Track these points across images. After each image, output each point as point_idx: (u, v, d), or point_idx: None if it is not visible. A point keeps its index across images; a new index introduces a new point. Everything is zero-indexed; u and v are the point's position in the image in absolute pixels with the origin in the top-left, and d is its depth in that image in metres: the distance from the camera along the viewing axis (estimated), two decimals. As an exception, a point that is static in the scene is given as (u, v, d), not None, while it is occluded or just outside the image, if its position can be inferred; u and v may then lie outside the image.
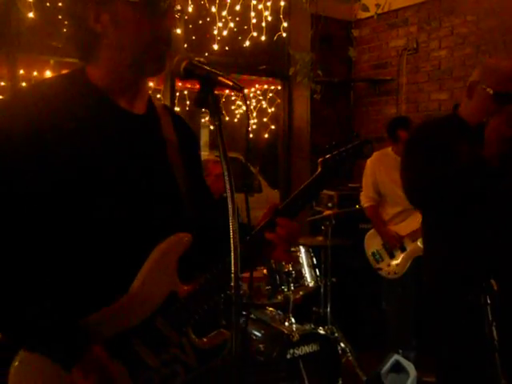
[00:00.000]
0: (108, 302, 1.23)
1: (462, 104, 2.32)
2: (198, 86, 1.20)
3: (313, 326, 3.21)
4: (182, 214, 1.37)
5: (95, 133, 1.28)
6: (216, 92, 1.17)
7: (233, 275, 1.07)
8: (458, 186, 2.15)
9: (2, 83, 5.07)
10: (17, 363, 1.19)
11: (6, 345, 1.23)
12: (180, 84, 5.34)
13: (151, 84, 5.11)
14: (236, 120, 6.01)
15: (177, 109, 5.06)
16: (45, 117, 1.22)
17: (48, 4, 4.14)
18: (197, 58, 1.24)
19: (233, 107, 6.13)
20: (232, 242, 1.08)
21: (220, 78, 1.16)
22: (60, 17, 4.56)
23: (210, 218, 1.52)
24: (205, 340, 1.30)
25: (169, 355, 1.25)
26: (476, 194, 2.17)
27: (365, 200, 3.96)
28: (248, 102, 5.69)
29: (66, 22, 1.35)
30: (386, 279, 3.83)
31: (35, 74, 5.15)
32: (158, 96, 4.80)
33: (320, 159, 1.41)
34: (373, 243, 3.92)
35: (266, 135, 5.30)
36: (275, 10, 4.59)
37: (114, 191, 1.27)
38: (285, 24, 4.61)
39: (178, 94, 5.15)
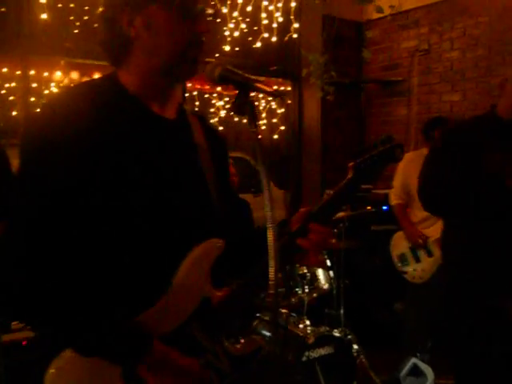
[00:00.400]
0: (144, 307, 1.23)
1: (498, 103, 2.35)
2: (207, 87, 1.20)
3: (327, 328, 3.20)
4: (214, 219, 1.37)
5: (129, 137, 1.27)
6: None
7: (272, 282, 1.06)
8: (475, 204, 2.16)
9: (13, 83, 5.10)
10: (53, 370, 1.19)
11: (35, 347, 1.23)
12: (190, 84, 5.34)
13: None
14: (245, 120, 5.99)
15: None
16: (82, 121, 1.22)
17: (60, 5, 4.15)
18: (229, 64, 1.24)
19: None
20: (271, 249, 1.07)
21: (257, 85, 1.16)
22: (72, 17, 4.59)
23: (238, 224, 1.51)
24: (238, 346, 1.30)
25: (203, 361, 1.25)
26: (493, 213, 2.18)
27: (393, 197, 3.93)
28: (257, 103, 5.69)
29: (96, 25, 1.35)
30: (412, 283, 3.80)
31: (46, 74, 5.15)
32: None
33: (351, 163, 1.41)
34: (399, 245, 3.89)
35: (276, 136, 5.30)
36: (286, 11, 4.58)
37: (149, 196, 1.26)
38: (296, 25, 4.60)
39: (187, 94, 5.16)
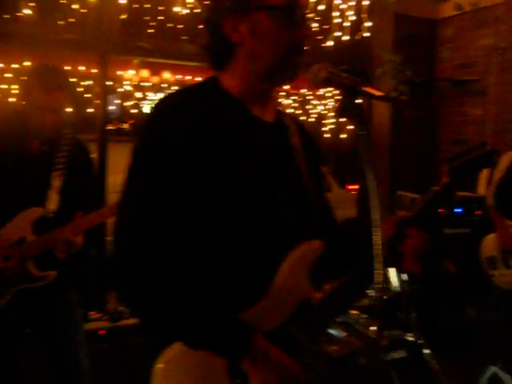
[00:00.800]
0: (246, 306, 1.25)
1: None
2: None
3: (399, 331, 3.16)
4: (312, 220, 1.38)
5: (234, 140, 1.30)
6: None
7: (378, 285, 1.07)
8: None
9: (87, 82, 5.27)
10: (162, 364, 1.23)
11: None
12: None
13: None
14: (313, 120, 5.98)
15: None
16: (190, 125, 1.26)
17: (137, 5, 4.27)
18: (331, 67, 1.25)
19: (308, 107, 6.11)
20: (378, 252, 1.08)
21: (365, 88, 1.16)
22: (147, 18, 4.71)
23: (332, 225, 1.53)
24: (336, 348, 1.31)
25: (302, 362, 1.26)
26: None
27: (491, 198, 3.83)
28: (325, 102, 5.65)
29: (199, 27, 1.39)
30: (499, 288, 3.69)
31: (120, 73, 5.30)
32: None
33: (447, 167, 1.39)
34: (490, 248, 3.78)
35: (344, 135, 5.25)
36: (358, 10, 4.53)
37: (253, 197, 1.29)
38: (368, 23, 4.55)
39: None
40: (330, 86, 1.27)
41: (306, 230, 1.35)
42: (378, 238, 1.08)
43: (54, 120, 2.41)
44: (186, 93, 1.37)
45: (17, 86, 5.07)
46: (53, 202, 2.44)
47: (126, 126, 7.18)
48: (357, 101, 1.19)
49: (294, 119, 1.51)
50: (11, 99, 5.16)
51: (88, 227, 2.46)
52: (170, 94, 1.36)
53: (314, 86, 1.29)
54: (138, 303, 1.26)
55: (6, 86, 5.04)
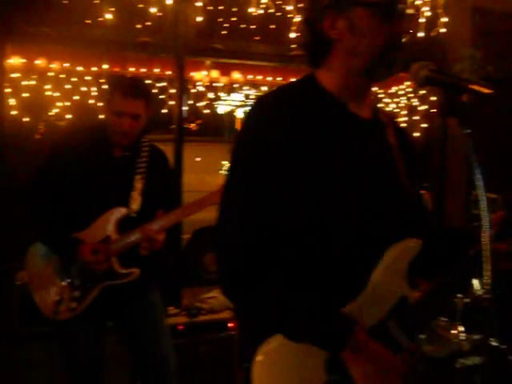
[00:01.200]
0: (344, 302, 1.26)
1: None
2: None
3: (482, 336, 3.06)
4: (410, 218, 1.37)
5: (332, 137, 1.31)
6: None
7: (487, 287, 1.05)
8: None
9: (163, 83, 5.42)
10: (261, 356, 1.26)
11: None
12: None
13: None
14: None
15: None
16: (291, 125, 1.28)
17: (211, 7, 4.34)
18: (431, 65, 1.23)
19: (380, 105, 6.02)
20: (486, 251, 1.06)
21: (471, 86, 1.14)
22: (220, 19, 4.78)
23: (429, 222, 1.51)
24: (434, 347, 1.29)
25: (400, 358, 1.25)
26: None
27: None
28: (397, 100, 5.55)
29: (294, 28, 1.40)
30: None
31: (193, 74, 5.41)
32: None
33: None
34: None
35: (417, 134, 5.14)
36: (434, 5, 4.42)
37: (352, 194, 1.29)
38: (444, 19, 4.42)
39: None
40: (432, 85, 1.25)
41: (404, 228, 1.34)
42: (485, 239, 1.06)
43: (133, 126, 2.52)
44: (284, 92, 1.38)
45: (95, 89, 5.29)
46: (136, 203, 2.54)
47: (193, 126, 7.31)
48: (460, 99, 1.17)
49: (389, 116, 1.50)
50: (91, 101, 5.39)
51: (169, 225, 2.54)
52: (267, 94, 1.38)
53: (416, 84, 1.27)
54: (242, 296, 1.30)
55: (85, 89, 5.27)
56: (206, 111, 5.64)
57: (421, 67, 1.23)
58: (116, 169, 2.57)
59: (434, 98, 4.90)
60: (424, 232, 1.39)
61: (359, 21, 1.29)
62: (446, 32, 4.48)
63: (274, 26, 4.72)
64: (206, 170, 6.16)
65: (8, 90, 4.03)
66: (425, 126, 5.12)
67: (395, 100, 5.57)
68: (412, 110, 5.39)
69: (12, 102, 4.75)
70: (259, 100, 1.36)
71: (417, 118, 5.26)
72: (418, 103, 5.29)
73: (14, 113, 4.84)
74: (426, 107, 5.17)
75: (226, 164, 4.13)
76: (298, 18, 4.30)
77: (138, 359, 2.65)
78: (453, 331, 3.01)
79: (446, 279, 1.28)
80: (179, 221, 2.63)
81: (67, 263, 2.48)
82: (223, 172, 4.26)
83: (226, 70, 5.67)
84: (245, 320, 1.38)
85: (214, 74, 5.75)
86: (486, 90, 1.14)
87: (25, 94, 4.98)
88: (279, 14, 4.51)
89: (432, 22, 4.45)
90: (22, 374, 3.17)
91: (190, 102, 5.36)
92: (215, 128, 6.82)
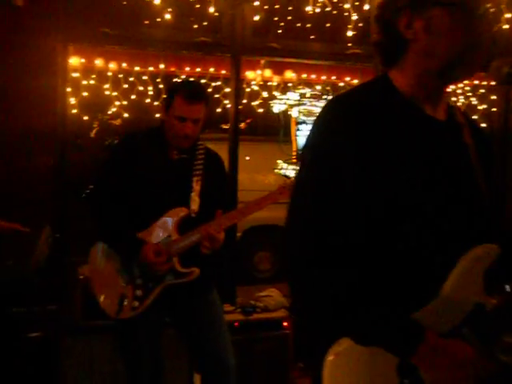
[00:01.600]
0: (415, 307, 1.24)
1: None
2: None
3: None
4: (487, 222, 1.33)
5: (406, 140, 1.29)
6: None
7: None
8: None
9: (215, 83, 5.47)
10: (332, 357, 1.25)
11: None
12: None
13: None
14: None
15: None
16: (364, 120, 1.27)
17: (267, 6, 4.35)
18: None
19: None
20: None
21: None
22: (276, 18, 4.78)
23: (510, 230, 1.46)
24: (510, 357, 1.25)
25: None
26: None
27: None
28: (455, 99, 5.43)
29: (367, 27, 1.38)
30: None
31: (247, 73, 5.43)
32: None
33: None
34: None
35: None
36: (497, 1, 4.29)
37: (427, 200, 1.27)
38: (508, 15, 4.29)
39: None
40: None
41: (481, 233, 1.31)
42: None
43: (194, 130, 2.55)
44: (356, 93, 1.37)
45: (151, 88, 5.39)
46: (195, 203, 2.58)
47: (243, 125, 7.36)
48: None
49: (465, 116, 1.46)
50: (147, 100, 5.50)
51: (229, 225, 2.57)
52: (339, 95, 1.37)
53: (498, 82, 1.24)
54: (311, 300, 1.29)
55: (142, 88, 5.38)
56: (260, 110, 5.66)
57: (502, 64, 1.20)
58: (174, 171, 2.62)
59: (494, 97, 4.76)
60: (502, 236, 1.35)
61: (437, 21, 1.25)
62: (508, 28, 4.35)
63: (329, 25, 4.70)
64: (259, 169, 6.19)
65: (69, 90, 4.14)
66: (484, 125, 4.99)
67: (453, 99, 5.44)
68: (471, 109, 5.26)
69: (72, 101, 4.90)
70: (332, 101, 1.35)
71: (476, 117, 5.13)
72: (476, 102, 5.16)
73: (74, 111, 4.99)
74: (485, 106, 5.04)
75: (281, 163, 4.12)
76: (355, 17, 4.26)
77: (198, 358, 2.68)
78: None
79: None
80: (238, 221, 2.65)
81: (129, 263, 2.53)
82: (277, 171, 4.27)
83: (279, 69, 5.67)
84: (311, 321, 1.37)
85: (268, 73, 5.76)
86: None
87: (84, 93, 5.11)
88: (335, 12, 4.49)
89: (495, 19, 4.33)
90: (83, 366, 3.26)
91: (244, 101, 5.38)
92: (268, 127, 6.83)
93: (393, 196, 1.24)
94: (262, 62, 5.23)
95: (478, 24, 1.27)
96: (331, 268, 1.25)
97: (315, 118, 1.37)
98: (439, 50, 1.27)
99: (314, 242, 1.25)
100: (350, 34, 4.31)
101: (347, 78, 5.68)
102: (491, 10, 1.31)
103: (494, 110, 4.77)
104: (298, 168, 4.08)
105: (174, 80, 5.03)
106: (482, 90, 4.97)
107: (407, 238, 1.25)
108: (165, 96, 2.66)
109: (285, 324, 3.56)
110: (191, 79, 2.97)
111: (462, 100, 5.42)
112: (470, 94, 5.29)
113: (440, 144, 1.33)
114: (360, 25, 4.48)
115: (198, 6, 4.35)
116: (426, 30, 1.27)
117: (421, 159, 1.28)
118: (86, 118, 5.41)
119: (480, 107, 5.11)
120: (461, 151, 1.36)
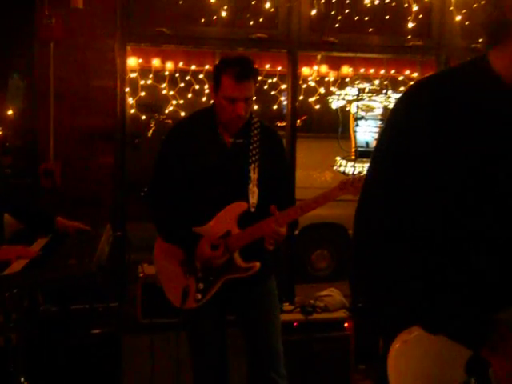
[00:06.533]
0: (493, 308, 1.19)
1: None
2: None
3: None
4: None
5: (495, 128, 1.22)
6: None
7: None
8: None
9: (271, 80, 5.43)
10: (399, 344, 1.23)
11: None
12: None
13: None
14: None
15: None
16: (448, 110, 1.22)
17: (323, 0, 4.27)
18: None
19: None
20: None
21: None
22: (333, 12, 4.69)
23: None
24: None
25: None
26: None
27: None
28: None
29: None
30: None
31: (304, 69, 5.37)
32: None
33: None
34: None
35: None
36: None
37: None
38: None
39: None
40: None
41: None
42: None
43: (246, 110, 2.48)
44: (444, 76, 1.33)
45: (207, 86, 5.40)
46: (254, 196, 2.52)
47: (297, 122, 7.29)
48: None
49: None
50: (203, 99, 5.52)
51: (288, 220, 2.50)
52: (425, 78, 1.32)
53: None
54: (380, 282, 1.28)
55: (198, 87, 5.40)
56: (317, 106, 5.59)
57: None
58: (230, 159, 2.55)
59: None
60: None
61: None
62: None
63: (388, 17, 4.57)
64: (316, 167, 6.11)
65: (127, 90, 4.20)
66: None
67: None
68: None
69: (130, 101, 4.97)
70: (414, 87, 1.30)
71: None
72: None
73: (132, 112, 5.07)
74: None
75: (339, 160, 4.02)
76: (415, 8, 4.13)
77: (248, 343, 2.65)
78: None
79: None
80: (298, 216, 2.58)
81: (190, 257, 2.53)
82: (335, 168, 4.18)
83: (335, 65, 5.58)
84: (379, 311, 1.33)
85: (323, 68, 5.68)
86: None
87: (142, 93, 5.18)
88: (394, 3, 4.36)
89: None
90: (144, 363, 3.29)
91: (301, 97, 5.32)
92: (325, 123, 6.76)
93: (473, 187, 1.19)
94: (319, 57, 5.16)
95: None
96: (410, 251, 1.23)
97: (391, 109, 1.31)
98: None
99: (389, 228, 1.24)
100: (410, 25, 4.18)
101: (407, 72, 5.53)
102: None
103: None
104: (356, 165, 3.96)
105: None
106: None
107: (487, 236, 1.20)
108: (213, 76, 2.53)
109: (346, 325, 3.48)
110: (238, 55, 2.83)
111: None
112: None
113: None
114: (420, 16, 4.35)
115: (254, 1, 4.32)
116: None
117: (507, 150, 1.21)
118: (143, 117, 5.48)
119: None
120: None
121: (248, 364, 2.65)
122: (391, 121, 1.30)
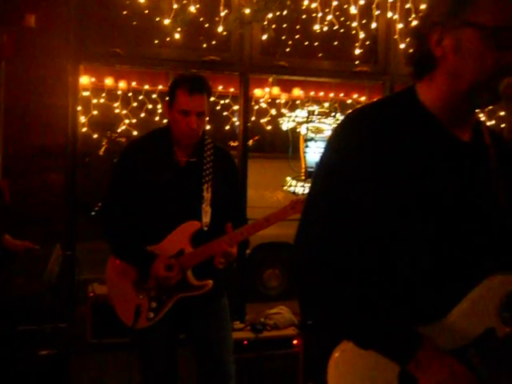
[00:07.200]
0: (424, 321, 1.23)
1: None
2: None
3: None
4: (508, 246, 1.32)
5: (425, 158, 1.27)
6: None
7: None
8: None
9: (227, 100, 5.52)
10: (338, 353, 1.26)
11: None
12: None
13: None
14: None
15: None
16: (382, 136, 1.26)
17: (274, 26, 4.40)
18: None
19: None
20: None
21: None
22: (284, 37, 4.84)
23: None
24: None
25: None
26: None
27: None
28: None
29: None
30: None
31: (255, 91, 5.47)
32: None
33: None
34: None
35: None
36: None
37: (441, 219, 1.26)
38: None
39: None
40: None
41: (502, 260, 1.29)
42: None
43: (199, 124, 2.53)
44: (375, 108, 1.36)
45: (160, 106, 5.44)
46: (207, 215, 2.57)
47: (250, 142, 7.40)
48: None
49: (496, 136, 1.39)
50: (156, 118, 5.54)
51: (241, 239, 2.55)
52: (356, 110, 1.36)
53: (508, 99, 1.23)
54: (316, 302, 1.31)
55: (151, 106, 5.43)
56: (269, 127, 5.70)
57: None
58: (184, 178, 2.59)
59: (502, 113, 4.76)
60: None
61: (467, 42, 1.22)
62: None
63: (337, 43, 4.74)
64: (267, 186, 6.19)
65: (79, 108, 4.19)
66: None
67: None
68: None
69: (82, 119, 4.95)
70: (348, 116, 1.34)
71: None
72: (484, 118, 5.16)
73: (83, 130, 5.04)
74: (493, 122, 5.04)
75: (289, 180, 4.10)
76: (362, 35, 4.31)
77: (200, 361, 2.67)
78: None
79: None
80: (250, 235, 2.63)
81: (144, 276, 2.54)
82: (286, 188, 4.27)
83: (287, 87, 5.71)
84: (319, 327, 1.38)
85: (275, 90, 5.80)
86: None
87: (94, 112, 5.17)
88: (343, 30, 4.53)
89: None
90: (93, 382, 3.26)
91: (253, 118, 5.42)
92: (276, 144, 6.88)
93: (407, 216, 1.23)
94: (270, 79, 5.27)
95: (508, 53, 1.20)
96: (341, 278, 1.26)
97: (331, 133, 1.37)
98: (466, 73, 1.23)
99: (325, 253, 1.26)
100: (357, 52, 4.35)
101: (355, 96, 5.71)
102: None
103: (503, 126, 4.76)
104: (306, 185, 4.05)
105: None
106: (490, 107, 4.96)
107: (419, 259, 1.25)
108: (168, 92, 2.59)
109: (295, 342, 3.54)
110: (192, 72, 2.89)
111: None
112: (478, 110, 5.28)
113: (460, 166, 1.30)
114: (367, 43, 4.53)
115: (206, 25, 4.41)
116: (454, 49, 1.24)
117: (437, 180, 1.27)
118: (95, 136, 5.45)
119: (488, 123, 5.10)
120: (482, 175, 1.32)
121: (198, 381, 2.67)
122: (331, 144, 1.33)
